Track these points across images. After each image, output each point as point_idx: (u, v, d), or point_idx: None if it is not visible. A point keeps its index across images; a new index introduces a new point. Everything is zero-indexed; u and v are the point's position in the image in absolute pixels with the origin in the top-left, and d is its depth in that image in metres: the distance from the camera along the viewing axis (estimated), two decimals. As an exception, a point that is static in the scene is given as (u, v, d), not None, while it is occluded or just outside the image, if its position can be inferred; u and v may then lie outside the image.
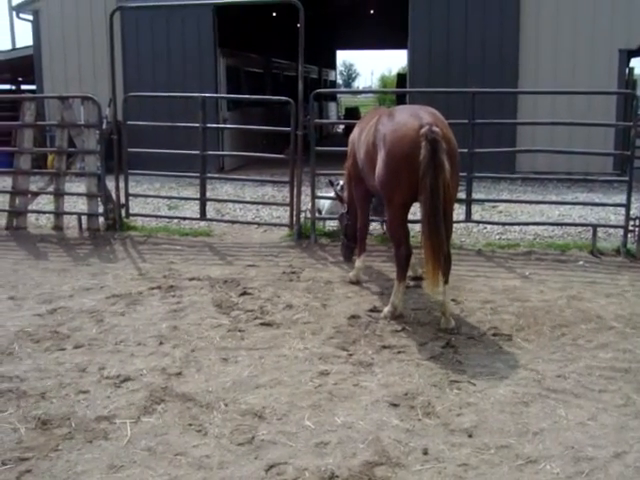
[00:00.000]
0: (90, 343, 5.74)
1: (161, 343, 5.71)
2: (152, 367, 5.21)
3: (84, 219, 10.15)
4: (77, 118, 10.13)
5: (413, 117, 5.96)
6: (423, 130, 5.72)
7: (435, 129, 5.71)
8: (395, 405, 4.58)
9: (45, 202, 11.79)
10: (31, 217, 10.83)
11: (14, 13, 20.39)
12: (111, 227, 9.93)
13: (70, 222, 10.46)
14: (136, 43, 17.90)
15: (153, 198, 12.68)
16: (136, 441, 4.15)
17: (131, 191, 10.39)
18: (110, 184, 10.10)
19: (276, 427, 4.29)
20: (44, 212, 11.15)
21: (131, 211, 10.35)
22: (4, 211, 10.57)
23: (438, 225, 5.68)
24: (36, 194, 10.92)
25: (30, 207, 10.74)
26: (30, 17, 19.34)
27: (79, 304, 6.79)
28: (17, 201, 10.40)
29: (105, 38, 17.68)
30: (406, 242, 6.25)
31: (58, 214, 10.31)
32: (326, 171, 9.63)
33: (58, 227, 10.21)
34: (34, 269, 8.21)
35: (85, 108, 9.93)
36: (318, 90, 10.26)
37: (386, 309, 6.36)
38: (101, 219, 10.09)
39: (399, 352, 5.50)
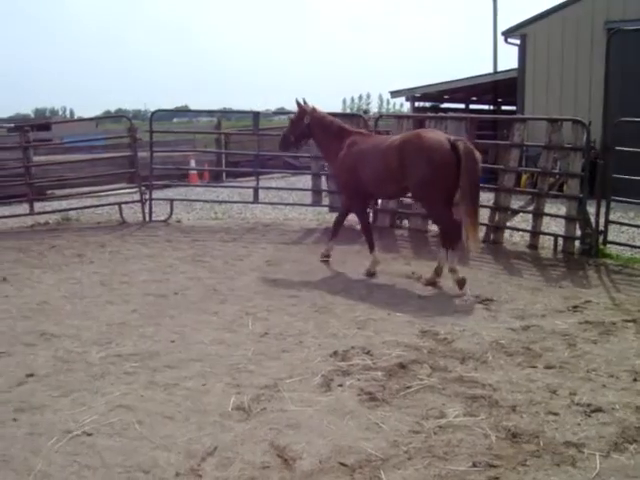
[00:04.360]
0: (561, 366, 5.76)
1: (635, 380, 5.47)
2: (625, 403, 5.02)
3: (560, 241, 10.22)
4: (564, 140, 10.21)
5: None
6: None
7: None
8: None
9: (518, 220, 12.03)
10: (505, 233, 11.17)
11: (499, 38, 21.54)
12: (586, 252, 9.80)
13: (544, 242, 10.57)
14: (621, 65, 17.36)
15: (628, 227, 12.13)
16: (604, 476, 4.05)
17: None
18: (589, 209, 9.98)
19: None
20: (520, 230, 11.28)
21: (608, 238, 10.10)
22: (484, 225, 11.13)
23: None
24: (516, 212, 11.20)
25: (508, 224, 11.12)
26: (517, 41, 20.21)
27: (551, 325, 6.85)
28: (497, 217, 10.88)
29: (588, 60, 17.66)
30: None
31: (535, 233, 10.48)
32: None
33: (533, 246, 10.41)
34: (508, 284, 8.49)
35: (573, 131, 9.96)
36: None
37: None
38: (577, 243, 10.05)
39: None
